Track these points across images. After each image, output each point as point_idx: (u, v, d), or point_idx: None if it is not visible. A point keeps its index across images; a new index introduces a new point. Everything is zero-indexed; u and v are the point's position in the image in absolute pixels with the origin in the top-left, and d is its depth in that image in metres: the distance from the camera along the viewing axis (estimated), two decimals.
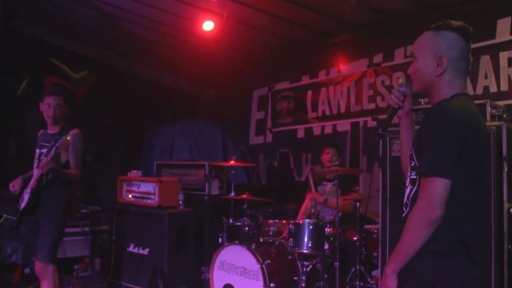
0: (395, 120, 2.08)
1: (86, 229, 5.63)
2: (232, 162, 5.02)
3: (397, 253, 1.76)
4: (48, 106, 3.78)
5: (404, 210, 1.90)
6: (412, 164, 1.86)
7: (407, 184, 1.92)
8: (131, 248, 4.88)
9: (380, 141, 3.57)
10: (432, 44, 1.86)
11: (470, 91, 4.54)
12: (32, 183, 3.67)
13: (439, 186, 1.66)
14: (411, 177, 1.86)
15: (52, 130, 3.86)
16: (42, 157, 3.67)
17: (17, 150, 6.24)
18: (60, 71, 6.85)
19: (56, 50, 6.70)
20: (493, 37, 4.44)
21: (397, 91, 1.99)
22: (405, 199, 1.91)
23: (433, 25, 1.90)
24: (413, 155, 1.85)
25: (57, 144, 3.50)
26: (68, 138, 3.54)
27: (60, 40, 6.73)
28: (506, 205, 2.93)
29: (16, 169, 4.32)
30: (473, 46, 4.58)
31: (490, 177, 2.96)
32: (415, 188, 1.82)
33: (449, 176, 1.67)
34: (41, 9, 6.02)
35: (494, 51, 4.42)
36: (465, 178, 1.72)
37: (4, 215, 4.71)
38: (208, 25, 5.55)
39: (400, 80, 2.09)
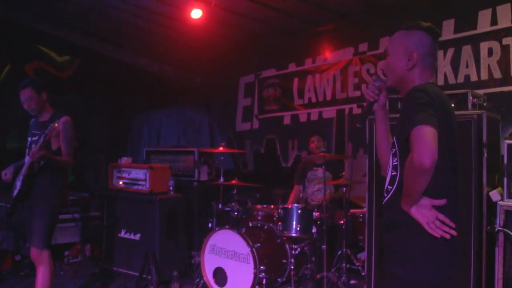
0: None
1: (77, 215, 5.68)
2: (221, 148, 5.09)
3: (406, 195, 1.86)
4: (22, 101, 3.78)
5: (386, 195, 2.03)
6: (393, 151, 2.00)
7: (387, 171, 2.06)
8: (122, 234, 4.96)
9: (367, 128, 3.71)
10: (404, 42, 2.04)
11: (451, 79, 4.73)
12: (23, 170, 3.71)
13: (427, 131, 1.73)
14: (393, 163, 1.99)
15: (42, 118, 3.87)
16: (33, 145, 3.71)
17: (0, 138, 6.19)
18: (44, 56, 6.77)
19: (40, 36, 6.63)
20: (474, 27, 4.59)
21: (372, 85, 2.16)
22: (386, 184, 2.04)
23: (404, 25, 2.08)
24: (395, 142, 1.99)
25: (46, 131, 3.54)
26: (56, 125, 3.56)
27: (44, 26, 6.67)
28: (485, 189, 3.10)
29: (1, 156, 4.30)
30: (455, 36, 4.80)
31: (471, 162, 3.11)
32: (398, 173, 1.95)
33: (435, 125, 1.75)
34: None
35: (475, 41, 4.58)
36: (443, 147, 1.79)
37: None
38: (196, 13, 5.58)
39: (375, 76, 2.25)
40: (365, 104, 2.23)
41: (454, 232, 1.83)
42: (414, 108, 1.81)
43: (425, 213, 1.83)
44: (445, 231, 1.82)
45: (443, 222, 1.83)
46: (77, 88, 6.97)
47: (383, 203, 2.05)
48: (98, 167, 7.13)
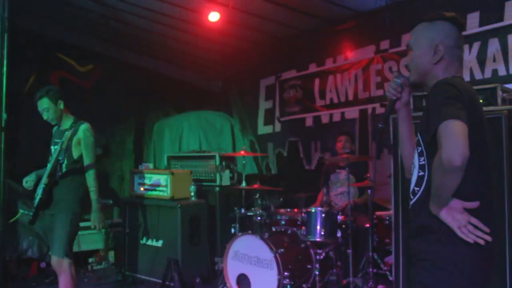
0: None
1: None
2: (242, 152, 5.04)
3: (434, 196, 1.73)
4: (40, 112, 3.82)
5: (412, 197, 1.89)
6: (419, 150, 1.86)
7: (413, 172, 1.93)
8: (144, 241, 4.94)
9: (391, 127, 3.59)
10: (428, 34, 1.92)
11: (478, 75, 4.53)
12: (44, 178, 3.72)
13: (457, 126, 1.59)
14: (420, 163, 1.86)
15: (63, 126, 3.89)
16: (53, 153, 3.75)
17: (27, 146, 6.30)
18: (66, 66, 6.89)
19: (62, 45, 6.75)
20: (501, 19, 4.40)
21: (394, 82, 2.03)
22: (412, 185, 1.91)
23: (426, 16, 1.96)
24: (420, 140, 1.86)
25: (63, 139, 3.57)
26: (69, 133, 3.66)
27: (66, 35, 6.77)
28: None
29: (26, 165, 4.37)
30: (480, 29, 4.60)
31: (502, 161, 2.96)
32: (426, 173, 1.81)
33: (464, 119, 1.61)
34: (46, 4, 6.04)
35: (502, 34, 4.37)
36: (474, 143, 1.65)
37: (21, 210, 4.77)
38: (214, 16, 5.54)
39: (396, 72, 2.13)
40: (387, 102, 2.11)
41: (488, 238, 1.68)
42: (441, 101, 1.68)
43: (456, 217, 1.69)
44: (478, 236, 1.67)
45: (476, 227, 1.68)
46: (99, 96, 7.05)
47: (410, 206, 1.92)
48: (122, 174, 7.16)
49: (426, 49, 1.91)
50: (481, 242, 1.67)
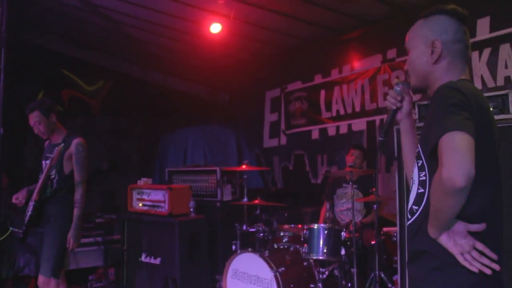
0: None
1: (99, 239, 5.55)
2: (244, 166, 4.87)
3: (433, 219, 1.51)
4: (32, 126, 3.71)
5: (410, 217, 1.67)
6: (419, 164, 1.64)
7: (411, 188, 1.71)
8: (143, 258, 4.79)
9: (395, 139, 3.39)
10: (423, 31, 1.73)
11: (490, 83, 4.32)
12: (34, 195, 3.60)
13: (461, 140, 1.37)
14: (421, 178, 1.63)
15: (54, 140, 3.78)
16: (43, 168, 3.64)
17: (33, 161, 6.24)
18: (75, 83, 6.91)
19: (69, 60, 6.76)
20: None
21: (394, 90, 1.83)
22: (411, 203, 1.69)
23: (422, 13, 1.77)
24: (420, 152, 1.64)
25: (52, 155, 3.45)
26: (60, 148, 3.54)
27: (72, 50, 6.77)
28: None
29: (32, 180, 4.29)
30: (491, 35, 4.39)
31: None
32: (426, 191, 1.59)
33: (470, 131, 1.38)
34: (52, 20, 6.04)
35: None
36: (481, 158, 1.43)
37: (10, 228, 4.66)
38: (215, 27, 5.44)
39: (396, 80, 1.92)
40: (387, 114, 1.92)
41: (496, 266, 1.44)
42: (443, 110, 1.45)
43: (459, 241, 1.46)
44: (484, 264, 1.43)
45: (482, 253, 1.45)
46: (106, 111, 7.02)
47: (407, 226, 1.69)
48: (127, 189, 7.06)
49: (422, 49, 1.71)
50: (488, 271, 1.43)
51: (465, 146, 1.36)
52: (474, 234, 1.47)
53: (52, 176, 3.64)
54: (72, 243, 3.57)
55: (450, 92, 1.50)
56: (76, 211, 3.60)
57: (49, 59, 6.47)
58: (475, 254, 1.45)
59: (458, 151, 1.36)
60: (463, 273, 1.46)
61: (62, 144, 3.61)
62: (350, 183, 4.17)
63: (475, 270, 1.43)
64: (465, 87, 1.52)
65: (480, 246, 1.45)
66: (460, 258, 1.45)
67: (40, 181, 3.64)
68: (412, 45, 1.76)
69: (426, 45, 1.70)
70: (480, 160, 1.39)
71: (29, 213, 3.61)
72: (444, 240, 1.48)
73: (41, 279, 3.50)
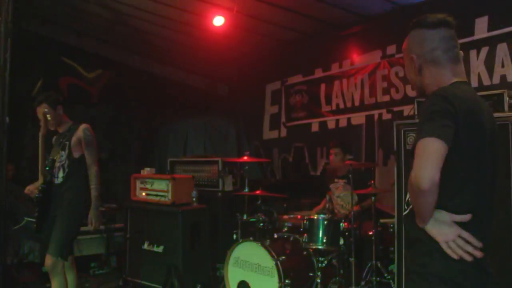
0: (410, 112, 2.03)
1: (102, 227, 5.65)
2: (245, 157, 4.97)
3: (416, 212, 1.67)
4: (40, 118, 3.77)
5: (406, 207, 1.82)
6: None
7: None
8: (145, 246, 4.88)
9: (395, 134, 3.51)
10: (406, 47, 1.89)
11: (486, 81, 4.43)
12: (45, 180, 3.69)
13: (431, 145, 1.53)
14: None
15: (61, 129, 3.87)
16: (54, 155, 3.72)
17: (33, 150, 6.30)
18: (74, 71, 6.91)
19: (69, 49, 6.76)
20: (510, 24, 4.30)
21: None
22: (408, 196, 1.82)
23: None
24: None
25: (62, 140, 3.55)
26: (67, 133, 3.70)
27: (72, 39, 6.77)
28: None
29: (33, 169, 4.35)
30: (489, 34, 4.49)
31: (509, 168, 2.87)
32: None
33: (443, 137, 1.53)
34: (53, 9, 6.06)
35: (511, 38, 4.28)
36: (465, 159, 1.60)
37: (25, 218, 4.73)
38: (218, 20, 5.51)
39: None
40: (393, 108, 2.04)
41: (478, 254, 1.58)
42: (426, 116, 1.62)
43: (444, 230, 1.60)
44: (468, 252, 1.58)
45: (467, 241, 1.59)
46: (106, 100, 7.04)
47: (403, 216, 1.85)
48: (127, 178, 7.14)
49: (408, 63, 1.88)
50: (468, 258, 1.58)
51: (433, 152, 1.53)
52: (461, 224, 1.61)
53: (62, 162, 3.71)
54: (94, 223, 3.69)
55: (436, 99, 1.64)
56: (93, 192, 3.70)
57: (49, 48, 6.47)
58: (460, 241, 1.59)
59: (425, 156, 1.54)
60: (449, 258, 1.60)
61: (71, 131, 3.70)
62: (350, 176, 4.27)
63: (455, 257, 1.58)
64: (452, 94, 1.64)
65: (465, 234, 1.59)
66: (444, 246, 1.60)
67: (49, 167, 3.71)
68: (404, 60, 1.93)
69: (410, 60, 1.85)
70: (464, 160, 1.58)
71: (37, 195, 3.66)
72: (429, 228, 1.63)
73: (49, 260, 3.53)
